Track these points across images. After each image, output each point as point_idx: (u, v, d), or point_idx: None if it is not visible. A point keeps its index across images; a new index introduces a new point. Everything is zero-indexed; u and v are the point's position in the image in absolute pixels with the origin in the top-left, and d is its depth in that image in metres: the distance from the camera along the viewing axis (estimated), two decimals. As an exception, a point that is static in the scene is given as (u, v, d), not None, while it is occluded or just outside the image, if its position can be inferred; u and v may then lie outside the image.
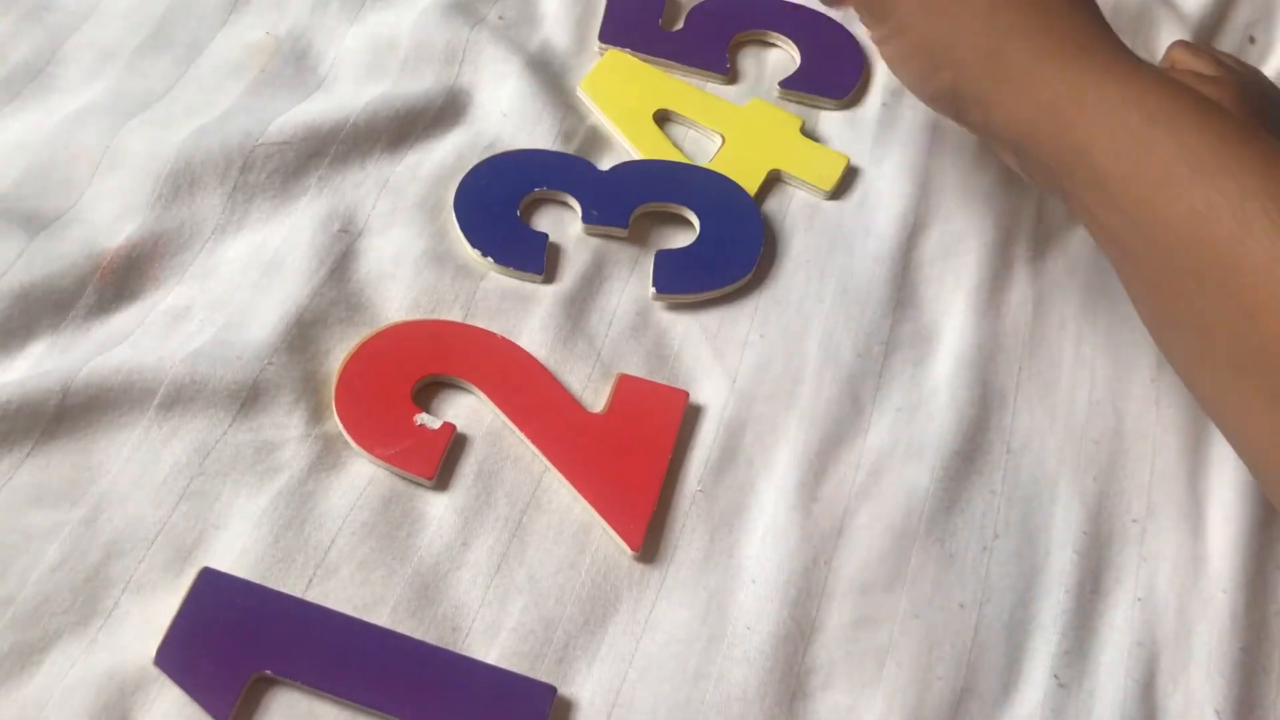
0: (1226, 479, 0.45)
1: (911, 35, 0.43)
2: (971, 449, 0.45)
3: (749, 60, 0.57)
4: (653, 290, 0.47)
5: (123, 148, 0.47)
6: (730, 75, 0.56)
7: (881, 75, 0.56)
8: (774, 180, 0.52)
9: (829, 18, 0.58)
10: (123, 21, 0.52)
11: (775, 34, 0.57)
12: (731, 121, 0.53)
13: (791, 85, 0.55)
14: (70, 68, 0.50)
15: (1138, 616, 0.42)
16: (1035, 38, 0.40)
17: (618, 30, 0.56)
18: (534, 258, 0.47)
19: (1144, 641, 0.41)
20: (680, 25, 0.57)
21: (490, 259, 0.46)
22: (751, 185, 0.51)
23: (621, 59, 0.55)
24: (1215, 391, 0.39)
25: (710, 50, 0.56)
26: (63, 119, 0.48)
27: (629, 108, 0.53)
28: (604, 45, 0.55)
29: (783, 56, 0.57)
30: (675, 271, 0.47)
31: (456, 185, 0.48)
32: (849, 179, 0.52)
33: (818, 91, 0.55)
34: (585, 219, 0.48)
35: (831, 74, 0.56)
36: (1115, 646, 0.41)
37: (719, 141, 0.53)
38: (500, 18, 0.55)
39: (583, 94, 0.53)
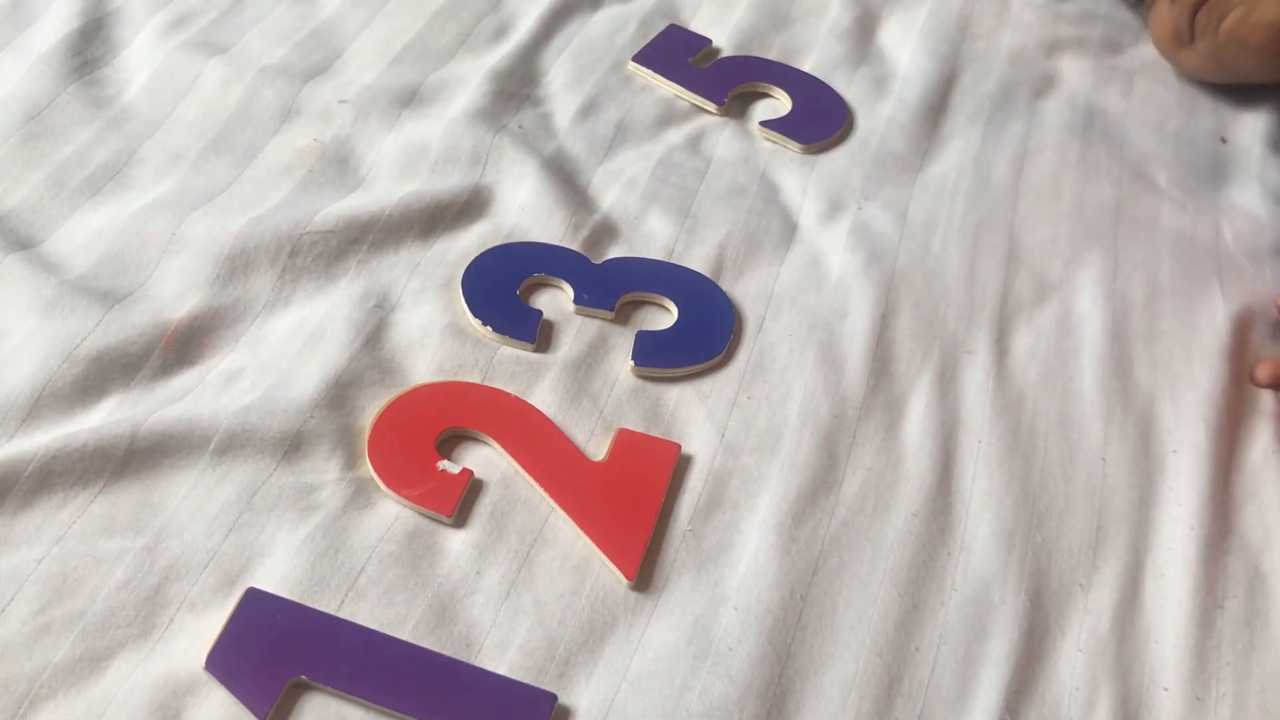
0: (1163, 538, 0.49)
1: None
2: (933, 510, 0.49)
3: (744, 101, 0.68)
4: (631, 364, 0.52)
5: (187, 235, 0.53)
6: (724, 109, 0.67)
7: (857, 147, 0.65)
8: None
9: (826, 85, 0.69)
10: (190, 129, 0.60)
11: (776, 88, 0.68)
12: None
13: (770, 126, 0.66)
14: (144, 168, 0.58)
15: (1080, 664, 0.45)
16: None
17: (653, 56, 0.68)
18: (528, 329, 0.53)
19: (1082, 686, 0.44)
20: (705, 67, 0.69)
21: (489, 328, 0.52)
22: None
23: None
24: None
25: (716, 88, 0.68)
26: (136, 211, 0.55)
27: None
28: (635, 65, 0.67)
29: (774, 105, 0.68)
30: (653, 349, 0.53)
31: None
32: (828, 272, 0.58)
33: (789, 135, 0.65)
34: (576, 300, 0.54)
35: (808, 126, 0.67)
36: (1060, 687, 0.44)
37: None
38: (520, 126, 0.63)
39: None
